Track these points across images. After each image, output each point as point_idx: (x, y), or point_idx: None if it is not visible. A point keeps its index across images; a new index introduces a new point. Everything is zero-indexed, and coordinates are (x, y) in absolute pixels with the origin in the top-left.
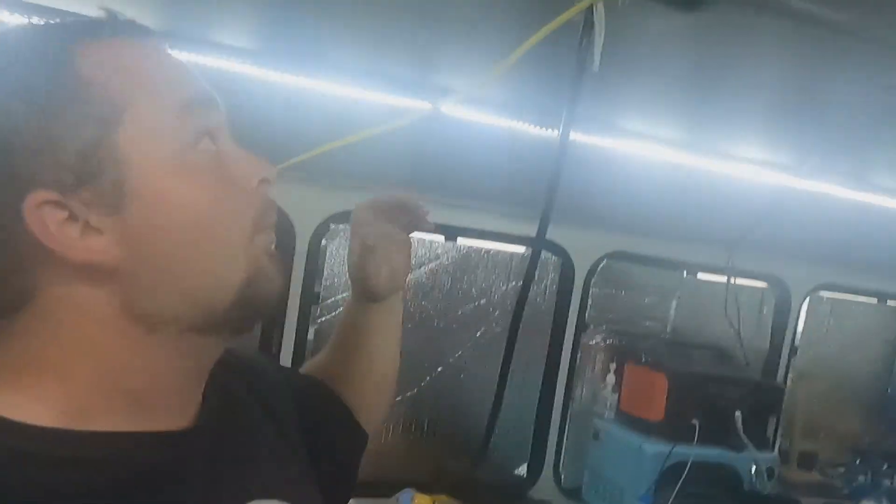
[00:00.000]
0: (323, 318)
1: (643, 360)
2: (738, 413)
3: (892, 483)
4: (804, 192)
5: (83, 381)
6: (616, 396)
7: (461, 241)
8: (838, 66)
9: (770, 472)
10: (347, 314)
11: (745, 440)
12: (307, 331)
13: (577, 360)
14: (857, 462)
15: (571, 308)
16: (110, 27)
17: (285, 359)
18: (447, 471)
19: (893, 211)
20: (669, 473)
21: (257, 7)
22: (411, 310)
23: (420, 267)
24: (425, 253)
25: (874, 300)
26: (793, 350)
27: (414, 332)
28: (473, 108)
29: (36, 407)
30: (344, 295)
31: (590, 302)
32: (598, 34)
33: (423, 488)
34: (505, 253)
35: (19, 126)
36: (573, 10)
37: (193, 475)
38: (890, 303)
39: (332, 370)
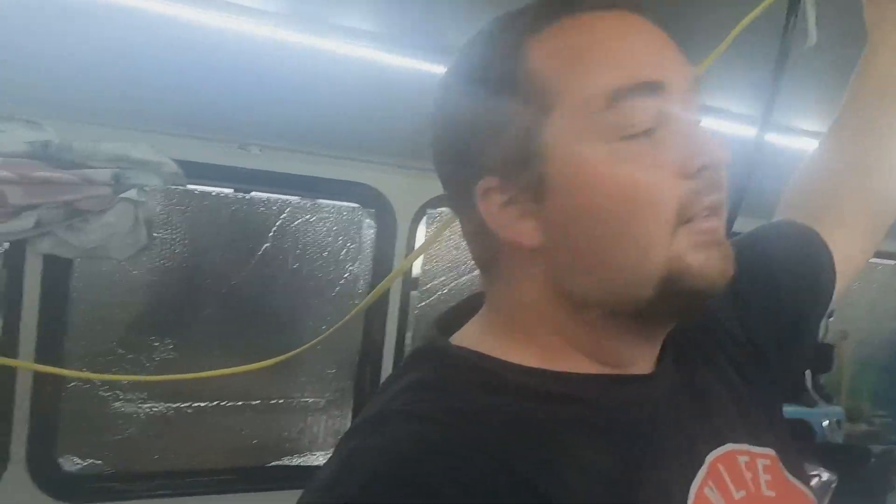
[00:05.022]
0: (423, 304)
1: None
2: (808, 372)
3: None
4: None
5: (545, 335)
6: None
7: None
8: None
9: (839, 424)
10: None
11: (816, 396)
12: (407, 317)
13: None
14: None
15: None
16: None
17: (388, 344)
18: None
19: None
20: None
21: None
22: None
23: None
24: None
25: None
26: (829, 312)
27: None
28: None
29: (521, 350)
30: (441, 279)
31: None
32: (811, 8)
33: None
34: None
35: (477, 116)
36: None
37: (662, 417)
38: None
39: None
